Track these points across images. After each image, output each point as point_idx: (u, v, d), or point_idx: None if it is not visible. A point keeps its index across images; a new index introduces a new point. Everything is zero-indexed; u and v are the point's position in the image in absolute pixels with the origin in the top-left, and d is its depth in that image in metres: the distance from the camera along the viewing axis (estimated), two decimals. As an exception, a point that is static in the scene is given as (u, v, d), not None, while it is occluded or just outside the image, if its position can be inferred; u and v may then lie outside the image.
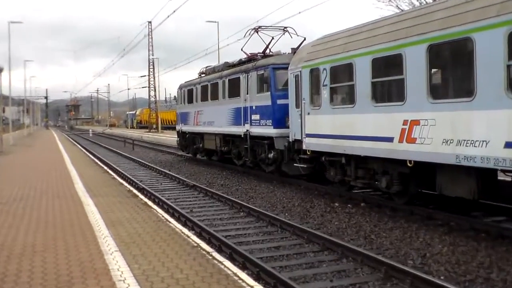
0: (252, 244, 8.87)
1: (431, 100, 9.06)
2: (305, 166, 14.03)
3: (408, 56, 9.53)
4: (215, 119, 20.67)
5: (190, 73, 49.47)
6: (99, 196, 12.28)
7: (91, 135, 65.79)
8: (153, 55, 67.60)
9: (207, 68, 23.06)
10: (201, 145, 23.19)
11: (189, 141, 24.81)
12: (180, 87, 26.21)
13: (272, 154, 16.39)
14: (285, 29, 18.82)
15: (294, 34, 18.90)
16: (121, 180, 16.04)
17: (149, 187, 15.68)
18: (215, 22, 48.97)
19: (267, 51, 18.40)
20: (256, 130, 17.04)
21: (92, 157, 26.44)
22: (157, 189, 15.67)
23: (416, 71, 9.36)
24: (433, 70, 9.39)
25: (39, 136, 62.72)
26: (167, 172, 19.59)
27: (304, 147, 13.55)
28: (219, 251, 8.12)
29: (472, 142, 8.24)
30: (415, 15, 9.72)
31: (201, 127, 22.48)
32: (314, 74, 12.97)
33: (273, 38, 18.59)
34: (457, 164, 8.47)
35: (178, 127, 26.26)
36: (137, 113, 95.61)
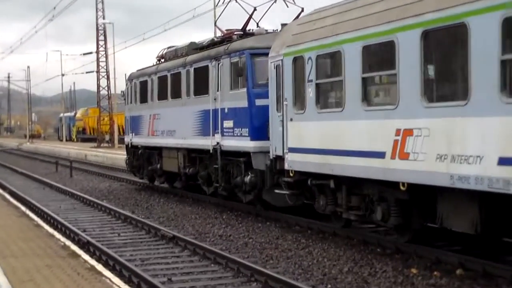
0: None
1: (425, 104, 11.09)
2: (288, 192, 15.74)
3: (401, 44, 11.44)
4: (177, 127, 22.52)
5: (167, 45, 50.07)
6: (10, 257, 12.52)
7: (-3, 153, 66.68)
8: (103, 18, 68.55)
9: (169, 50, 24.82)
10: (158, 165, 24.93)
11: (142, 159, 26.54)
12: (130, 78, 28.14)
13: (249, 177, 17.84)
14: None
15: (291, 3, 20.26)
16: (50, 229, 16.30)
17: (98, 241, 15.92)
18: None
19: (250, 27, 19.55)
20: (229, 143, 18.74)
21: (0, 190, 26.84)
22: (112, 243, 15.90)
23: (409, 65, 11.30)
24: (428, 64, 11.26)
25: None
26: (129, 214, 19.84)
27: (286, 166, 15.34)
28: None
29: (466, 158, 10.25)
30: None
31: (158, 138, 24.37)
32: (298, 64, 14.68)
33: (255, 8, 20.14)
34: (451, 186, 10.51)
35: (127, 139, 28.31)
36: (79, 115, 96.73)
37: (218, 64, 19.37)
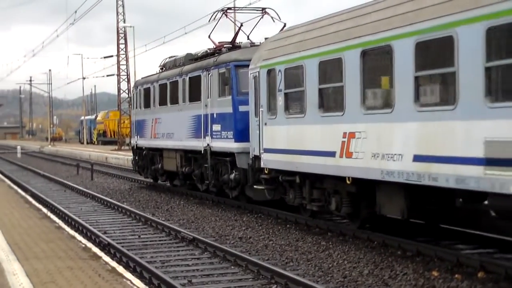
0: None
1: (363, 111, 13.72)
2: (263, 188, 18.48)
3: (346, 61, 14.19)
4: (175, 130, 25.17)
5: (188, 50, 50.22)
6: (33, 259, 12.61)
7: (19, 155, 67.18)
8: (124, 22, 68.87)
9: (169, 60, 27.57)
10: (160, 165, 27.59)
11: (146, 159, 29.22)
12: (136, 85, 31.43)
13: (233, 175, 20.44)
14: (264, 10, 23.09)
15: (277, 19, 23.16)
16: (71, 231, 16.40)
17: (119, 243, 16.01)
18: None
19: (241, 40, 22.32)
20: (217, 144, 21.37)
21: (23, 192, 27.06)
22: (132, 245, 16.00)
23: (352, 79, 13.98)
24: (366, 78, 13.77)
25: None
26: (149, 217, 19.92)
27: (262, 164, 18.10)
28: None
29: (392, 156, 12.91)
30: (353, 16, 14.49)
31: (159, 140, 27.10)
32: (272, 76, 17.42)
33: (242, 24, 23.30)
34: (382, 179, 13.23)
35: (133, 141, 31.24)
36: (99, 118, 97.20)
37: (209, 74, 21.83)
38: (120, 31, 68.92)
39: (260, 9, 23.41)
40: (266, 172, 18.00)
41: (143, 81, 29.76)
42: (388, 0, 13.59)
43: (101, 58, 79.58)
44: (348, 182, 14.48)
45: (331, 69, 15.08)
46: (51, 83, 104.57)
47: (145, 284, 11.25)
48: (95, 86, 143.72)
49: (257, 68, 18.14)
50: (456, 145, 11.30)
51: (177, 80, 24.81)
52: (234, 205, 21.86)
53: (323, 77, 15.23)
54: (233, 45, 22.31)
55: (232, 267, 13.45)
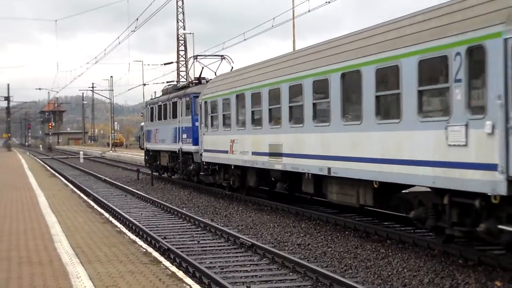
0: None
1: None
2: (203, 174, 29.97)
3: (246, 96, 24.24)
4: (165, 138, 36.97)
5: (248, 56, 50.58)
6: (95, 262, 12.81)
7: (82, 160, 68.34)
8: (184, 29, 69.52)
9: (165, 87, 41.19)
10: (159, 162, 40.06)
11: (152, 158, 41.72)
12: (146, 105, 45.09)
13: (192, 166, 32.09)
14: (222, 57, 34.91)
15: (232, 63, 35.34)
16: (132, 236, 16.60)
17: (178, 248, 16.15)
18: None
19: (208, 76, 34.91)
20: (184, 147, 32.93)
21: (85, 197, 27.50)
22: (192, 250, 16.16)
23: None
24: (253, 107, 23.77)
25: (-3, 162, 65.77)
26: (208, 222, 20.05)
27: (202, 159, 29.46)
28: None
29: (247, 152, 24.07)
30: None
31: (158, 144, 39.23)
32: (207, 105, 28.77)
33: (203, 68, 35.33)
34: (244, 165, 24.76)
35: (144, 145, 43.83)
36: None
37: (181, 100, 33.63)
38: (180, 38, 69.61)
39: (220, 56, 35.21)
40: (204, 164, 29.45)
41: (150, 102, 42.62)
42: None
43: (161, 64, 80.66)
44: (233, 168, 26.54)
45: (227, 104, 26.19)
46: (113, 90, 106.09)
47: (205, 290, 11.31)
48: (155, 92, 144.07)
49: (201, 99, 29.58)
50: None
51: (166, 103, 36.80)
52: (292, 211, 21.86)
53: (226, 107, 26.25)
54: (199, 81, 34.03)
55: (291, 273, 13.43)
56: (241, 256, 15.49)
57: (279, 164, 21.09)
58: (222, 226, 19.73)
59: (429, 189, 14.10)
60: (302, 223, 19.84)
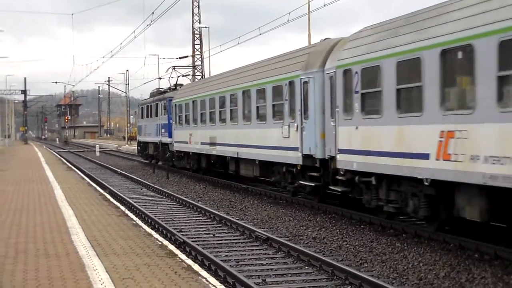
0: None
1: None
2: (175, 159, 40.08)
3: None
4: (151, 132, 46.18)
5: (263, 50, 50.78)
6: (112, 255, 12.86)
7: (98, 154, 68.60)
8: (200, 23, 69.53)
9: (153, 91, 49.86)
10: (147, 151, 49.03)
11: (143, 149, 50.76)
12: (139, 104, 55.27)
13: (168, 154, 41.44)
14: (194, 67, 53.20)
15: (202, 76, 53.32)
16: (148, 229, 16.65)
17: (194, 241, 16.18)
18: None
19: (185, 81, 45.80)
20: (163, 139, 42.15)
21: (101, 190, 27.59)
22: (207, 244, 16.20)
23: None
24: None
25: (12, 155, 66.32)
26: (224, 216, 20.08)
27: (174, 148, 39.31)
28: None
29: (198, 142, 34.23)
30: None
31: (146, 137, 48.38)
32: (177, 107, 38.53)
33: (178, 77, 46.22)
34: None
35: (137, 138, 54.05)
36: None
37: (161, 102, 43.05)
38: (196, 32, 69.63)
39: (192, 66, 46.63)
40: (175, 152, 39.00)
41: (142, 102, 52.09)
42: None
43: (177, 58, 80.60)
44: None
45: (187, 107, 35.78)
46: (129, 83, 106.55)
47: (220, 282, 11.34)
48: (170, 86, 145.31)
49: (173, 102, 39.44)
50: None
51: (152, 104, 46.13)
52: (307, 205, 21.87)
53: (187, 109, 36.14)
54: (175, 87, 43.37)
55: (306, 267, 13.45)
56: (256, 249, 15.51)
57: (215, 151, 30.75)
58: (238, 219, 19.75)
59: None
60: (317, 217, 19.83)
